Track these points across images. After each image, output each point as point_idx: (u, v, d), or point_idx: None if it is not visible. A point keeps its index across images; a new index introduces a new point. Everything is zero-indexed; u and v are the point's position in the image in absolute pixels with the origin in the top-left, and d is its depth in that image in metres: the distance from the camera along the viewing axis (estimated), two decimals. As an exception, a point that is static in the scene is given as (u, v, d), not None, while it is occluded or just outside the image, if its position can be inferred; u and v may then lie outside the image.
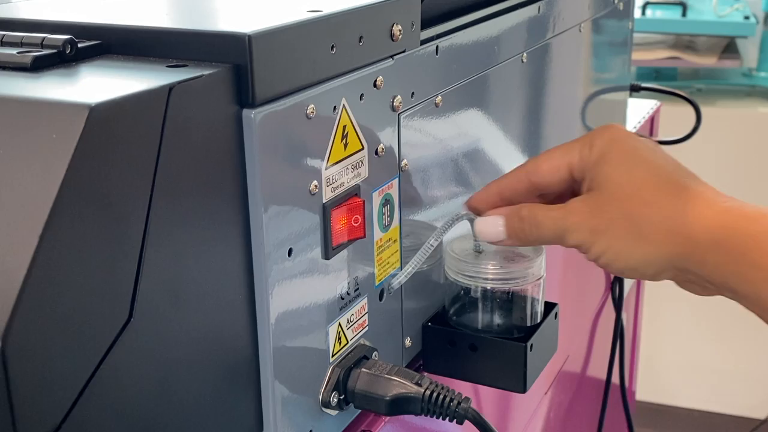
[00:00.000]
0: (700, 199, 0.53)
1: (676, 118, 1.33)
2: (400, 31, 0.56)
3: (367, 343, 0.57)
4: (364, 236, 0.54)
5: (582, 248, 0.57)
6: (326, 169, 0.51)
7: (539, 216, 0.57)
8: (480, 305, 0.63)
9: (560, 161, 0.59)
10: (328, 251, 0.51)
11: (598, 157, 0.57)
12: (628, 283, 1.15)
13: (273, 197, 0.47)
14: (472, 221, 0.63)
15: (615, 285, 1.14)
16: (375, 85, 0.54)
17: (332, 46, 0.50)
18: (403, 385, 0.55)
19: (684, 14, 2.35)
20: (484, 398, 0.75)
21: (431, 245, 0.60)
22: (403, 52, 0.57)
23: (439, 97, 0.62)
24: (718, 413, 2.52)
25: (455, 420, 0.55)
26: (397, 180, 0.59)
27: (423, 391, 0.55)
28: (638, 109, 1.31)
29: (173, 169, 0.41)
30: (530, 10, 0.76)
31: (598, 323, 1.15)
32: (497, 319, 0.63)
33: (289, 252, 0.48)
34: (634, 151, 0.56)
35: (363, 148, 0.54)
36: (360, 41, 0.52)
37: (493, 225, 0.60)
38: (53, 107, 0.38)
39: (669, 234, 0.53)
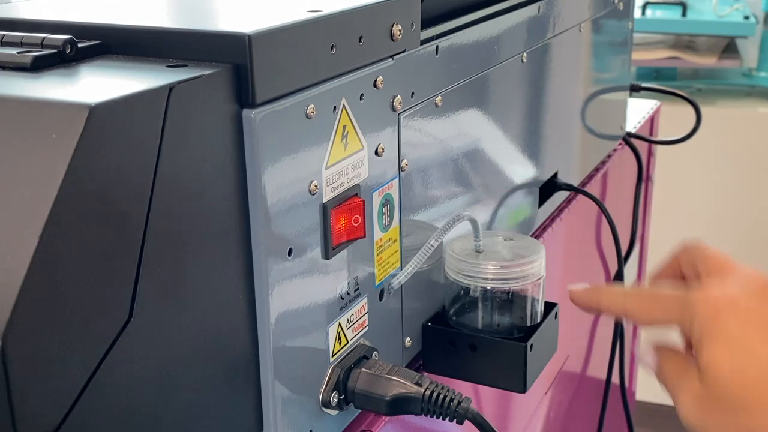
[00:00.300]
0: None
1: (676, 118, 1.33)
2: (400, 31, 0.56)
3: (367, 343, 0.57)
4: (364, 236, 0.54)
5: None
6: (326, 169, 0.51)
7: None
8: (480, 305, 0.63)
9: (660, 323, 0.54)
10: (328, 251, 0.51)
11: (700, 339, 0.50)
12: (628, 284, 1.15)
13: (273, 197, 0.47)
14: (473, 222, 0.63)
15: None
16: (375, 85, 0.54)
17: (332, 46, 0.50)
18: (403, 385, 0.55)
19: (684, 14, 2.35)
20: (484, 398, 0.75)
21: (432, 245, 0.60)
22: (403, 52, 0.57)
23: (439, 97, 0.62)
24: (718, 413, 2.52)
25: (455, 420, 0.55)
26: (397, 180, 0.59)
27: (423, 391, 0.55)
28: (638, 109, 1.31)
29: (173, 169, 0.41)
30: (530, 10, 0.76)
31: (598, 323, 1.15)
32: (497, 319, 0.63)
33: (289, 252, 0.48)
34: (741, 333, 0.49)
35: (363, 148, 0.54)
36: (360, 41, 0.52)
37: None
38: (53, 107, 0.38)
39: None
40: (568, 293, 0.58)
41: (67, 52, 0.44)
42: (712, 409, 0.50)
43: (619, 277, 1.12)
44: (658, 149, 1.36)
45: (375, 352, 0.57)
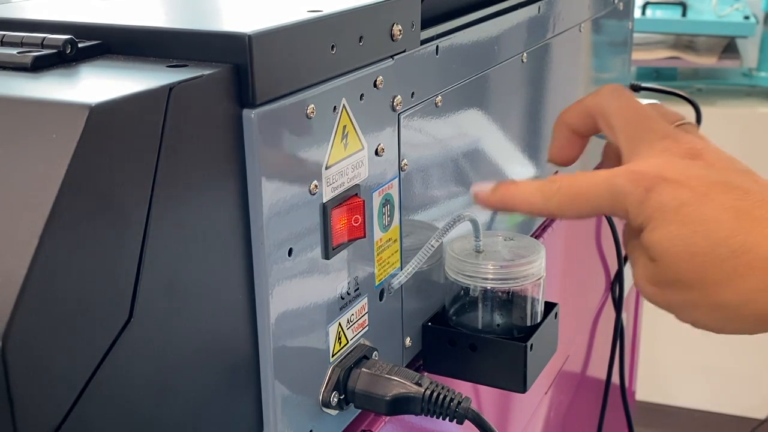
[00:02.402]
0: None
1: (676, 118, 1.33)
2: (400, 31, 0.56)
3: (367, 343, 0.57)
4: (364, 236, 0.54)
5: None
6: (326, 169, 0.51)
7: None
8: (480, 305, 0.63)
9: (589, 214, 0.51)
10: (328, 251, 0.51)
11: (640, 225, 0.48)
12: (628, 283, 1.14)
13: (273, 197, 0.47)
14: (474, 222, 0.63)
15: (615, 285, 1.14)
16: (375, 85, 0.54)
17: (332, 46, 0.50)
18: (403, 385, 0.55)
19: (684, 14, 2.35)
20: (484, 398, 0.75)
21: (432, 246, 0.60)
22: (403, 52, 0.57)
23: (439, 97, 0.62)
24: (718, 413, 2.52)
25: (455, 420, 0.55)
26: (397, 180, 0.59)
27: (423, 391, 0.55)
28: (638, 109, 1.31)
29: (173, 169, 0.41)
30: (530, 10, 0.76)
31: (598, 323, 1.15)
32: (497, 319, 0.63)
33: (289, 252, 0.48)
34: (678, 211, 0.47)
35: (363, 148, 0.54)
36: (360, 41, 0.52)
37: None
38: (53, 107, 0.38)
39: (758, 318, 0.46)
40: (474, 196, 0.55)
41: (67, 52, 0.44)
42: (666, 287, 0.48)
43: (619, 277, 1.12)
44: (659, 149, 1.36)
45: (375, 352, 0.58)
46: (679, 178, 0.47)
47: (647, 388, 2.34)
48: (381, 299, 0.59)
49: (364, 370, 0.55)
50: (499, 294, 0.63)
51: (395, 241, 0.60)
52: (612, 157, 0.56)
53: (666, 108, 0.55)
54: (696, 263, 0.46)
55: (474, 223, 0.63)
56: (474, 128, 0.69)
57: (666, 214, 0.47)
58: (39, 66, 0.43)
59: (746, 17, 2.31)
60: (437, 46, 0.61)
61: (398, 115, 0.57)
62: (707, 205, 0.46)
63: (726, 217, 0.46)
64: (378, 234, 0.57)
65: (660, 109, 0.55)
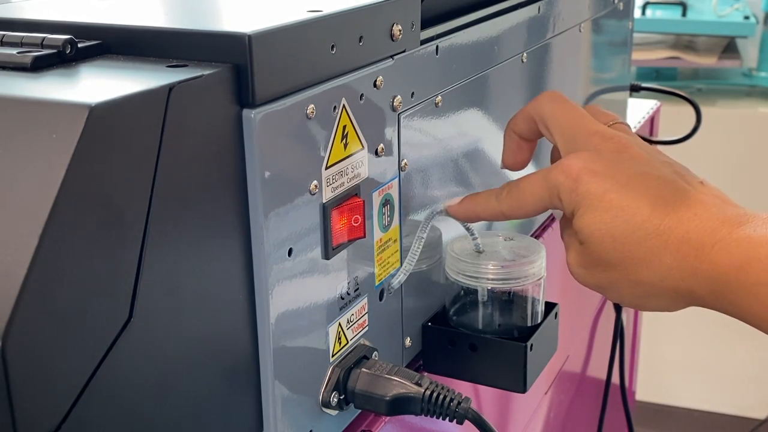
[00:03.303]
0: (685, 246, 0.50)
1: (676, 118, 1.34)
2: (400, 31, 0.56)
3: (367, 343, 0.57)
4: (364, 236, 0.54)
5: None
6: (326, 169, 0.51)
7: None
8: (480, 305, 0.63)
9: (536, 210, 0.56)
10: (328, 251, 0.51)
11: (571, 211, 0.54)
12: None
13: (273, 197, 0.47)
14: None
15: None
16: (375, 85, 0.54)
17: (332, 46, 0.50)
18: (403, 385, 0.55)
19: (684, 14, 2.35)
20: (484, 398, 0.75)
21: (421, 237, 0.60)
22: (403, 52, 0.57)
23: (439, 97, 0.62)
24: (718, 413, 2.52)
25: (455, 420, 0.55)
26: (397, 180, 0.59)
27: (423, 391, 0.55)
28: (638, 109, 1.31)
29: (173, 169, 0.41)
30: (530, 10, 0.76)
31: (598, 323, 1.15)
32: (497, 319, 0.63)
33: (289, 252, 0.48)
34: (601, 198, 0.52)
35: (363, 148, 0.54)
36: (360, 41, 0.52)
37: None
38: (53, 107, 0.38)
39: (674, 292, 0.51)
40: (445, 210, 0.61)
41: (67, 52, 0.44)
42: (593, 268, 0.54)
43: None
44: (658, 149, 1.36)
45: (375, 352, 0.58)
46: (604, 170, 0.53)
47: (647, 388, 2.34)
48: (381, 299, 0.59)
49: (364, 370, 0.55)
50: (500, 294, 0.63)
51: (395, 241, 0.60)
52: (557, 159, 0.60)
53: (601, 109, 0.61)
54: (617, 245, 0.51)
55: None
56: (474, 128, 0.69)
57: (592, 201, 0.52)
58: (39, 66, 0.43)
59: (746, 17, 2.31)
60: (437, 46, 0.61)
61: (398, 115, 0.57)
62: (628, 194, 0.51)
63: (643, 204, 0.51)
64: (378, 234, 0.57)
65: (594, 110, 0.61)
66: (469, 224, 0.63)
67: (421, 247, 0.60)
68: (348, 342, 0.55)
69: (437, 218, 0.63)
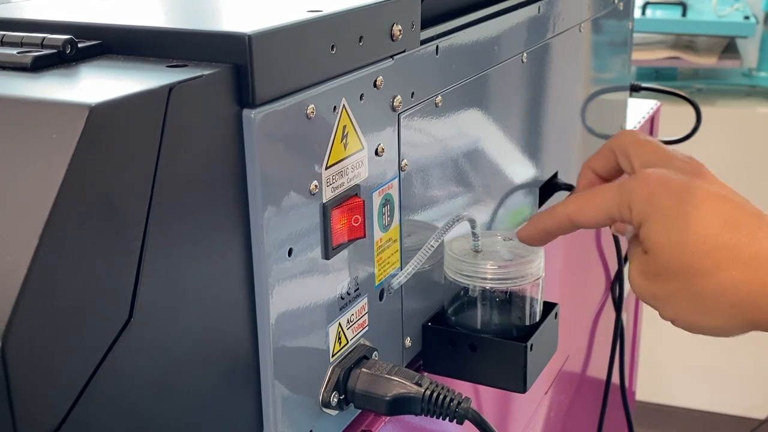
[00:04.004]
0: (756, 263, 0.50)
1: (676, 118, 1.33)
2: (400, 31, 0.56)
3: (367, 343, 0.57)
4: (364, 236, 0.54)
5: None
6: (326, 169, 0.51)
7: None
8: (479, 305, 0.63)
9: (602, 216, 0.56)
10: (328, 251, 0.51)
11: (640, 221, 0.53)
12: (628, 284, 1.15)
13: (273, 197, 0.47)
14: (472, 222, 0.63)
15: (615, 285, 1.14)
16: (375, 85, 0.54)
17: (332, 46, 0.50)
18: (403, 385, 0.55)
19: (684, 14, 2.35)
20: (484, 398, 0.75)
21: (432, 246, 0.60)
22: (403, 52, 0.57)
23: (439, 97, 0.62)
24: (718, 413, 2.52)
25: (455, 420, 0.55)
26: (397, 180, 0.59)
27: (423, 391, 0.55)
28: (638, 109, 1.31)
29: (173, 169, 0.41)
30: (530, 10, 0.76)
31: (598, 323, 1.15)
32: (497, 319, 0.63)
33: (289, 252, 0.48)
34: (675, 209, 0.52)
35: (363, 148, 0.54)
36: (360, 41, 0.52)
37: None
38: (53, 107, 0.38)
39: (733, 308, 0.51)
40: (518, 238, 0.62)
41: (67, 52, 0.44)
42: (654, 277, 0.53)
43: (619, 277, 1.12)
44: (658, 149, 1.36)
45: (375, 352, 0.58)
46: (679, 185, 0.53)
47: (647, 388, 2.34)
48: (381, 299, 0.59)
49: (364, 370, 0.55)
50: (498, 294, 0.63)
51: (395, 241, 0.60)
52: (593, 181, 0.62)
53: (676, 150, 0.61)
54: (684, 254, 0.51)
55: (472, 222, 0.63)
56: (474, 128, 0.69)
57: (664, 211, 0.52)
58: (39, 66, 0.43)
59: (746, 17, 2.31)
60: (437, 46, 0.61)
61: (398, 115, 0.57)
62: (702, 210, 0.52)
63: (718, 220, 0.51)
64: (378, 234, 0.57)
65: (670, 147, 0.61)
66: (477, 224, 0.63)
67: (429, 253, 0.60)
68: (348, 342, 0.55)
69: (441, 221, 0.63)
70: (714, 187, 0.54)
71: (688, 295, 0.52)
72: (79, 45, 0.45)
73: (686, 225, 0.51)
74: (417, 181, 0.61)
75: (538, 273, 0.63)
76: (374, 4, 0.53)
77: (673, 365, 2.54)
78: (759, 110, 2.37)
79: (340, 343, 0.55)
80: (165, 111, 0.40)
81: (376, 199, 0.56)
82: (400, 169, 0.59)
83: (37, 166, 0.36)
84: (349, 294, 0.55)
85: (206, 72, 0.42)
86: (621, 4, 1.04)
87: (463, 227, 0.63)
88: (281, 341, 0.49)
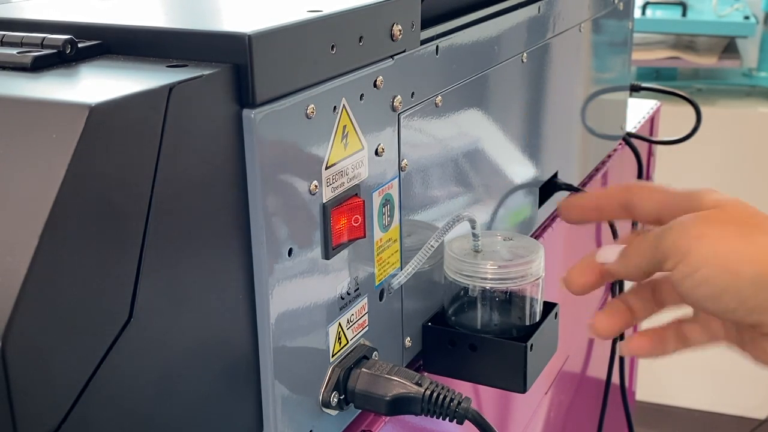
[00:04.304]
0: None
1: (676, 118, 1.33)
2: (400, 31, 0.56)
3: (367, 343, 0.57)
4: (364, 236, 0.54)
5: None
6: (326, 169, 0.51)
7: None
8: (479, 305, 0.63)
9: (640, 262, 0.55)
10: (328, 251, 0.51)
11: (675, 262, 0.52)
12: (628, 283, 1.14)
13: (273, 197, 0.47)
14: (472, 222, 0.63)
15: (615, 285, 1.14)
16: (375, 85, 0.54)
17: (332, 46, 0.50)
18: (403, 385, 0.55)
19: (684, 14, 2.35)
20: (484, 398, 0.75)
21: (431, 246, 0.60)
22: (403, 52, 0.57)
23: (439, 97, 0.62)
24: (718, 413, 2.52)
25: (455, 420, 0.55)
26: (397, 180, 0.59)
27: (423, 391, 0.55)
28: (638, 109, 1.31)
29: (173, 169, 0.41)
30: (530, 10, 0.76)
31: (598, 323, 1.15)
32: (497, 319, 0.63)
33: (289, 252, 0.48)
34: (720, 239, 0.51)
35: (363, 148, 0.54)
36: (360, 41, 0.52)
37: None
38: (53, 107, 0.38)
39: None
40: (565, 284, 0.59)
41: (67, 52, 0.44)
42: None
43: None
44: (658, 149, 1.36)
45: (375, 352, 0.58)
46: (718, 221, 0.51)
47: (647, 388, 2.34)
48: (381, 299, 0.59)
49: (364, 370, 0.55)
50: (498, 294, 0.63)
51: (395, 241, 0.60)
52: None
53: None
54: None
55: (472, 222, 0.63)
56: (474, 128, 0.69)
57: (709, 260, 0.50)
58: (39, 66, 0.43)
59: (746, 17, 2.31)
60: (437, 46, 0.61)
61: (398, 115, 0.57)
62: (748, 243, 0.50)
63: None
64: (378, 234, 0.57)
65: None
66: (477, 224, 0.63)
67: (429, 253, 0.60)
68: (348, 342, 0.55)
69: (441, 220, 0.63)
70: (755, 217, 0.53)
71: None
72: (79, 45, 0.45)
73: (732, 258, 0.50)
74: (417, 181, 0.61)
75: (538, 273, 0.63)
76: (374, 4, 0.53)
77: (672, 365, 2.54)
78: (759, 110, 2.37)
79: (340, 343, 0.55)
80: (165, 111, 0.40)
81: (376, 199, 0.56)
82: (400, 169, 0.59)
83: (37, 166, 0.36)
84: (349, 294, 0.55)
85: (206, 72, 0.42)
86: (621, 4, 1.04)
87: (463, 227, 0.63)
88: (281, 341, 0.49)
